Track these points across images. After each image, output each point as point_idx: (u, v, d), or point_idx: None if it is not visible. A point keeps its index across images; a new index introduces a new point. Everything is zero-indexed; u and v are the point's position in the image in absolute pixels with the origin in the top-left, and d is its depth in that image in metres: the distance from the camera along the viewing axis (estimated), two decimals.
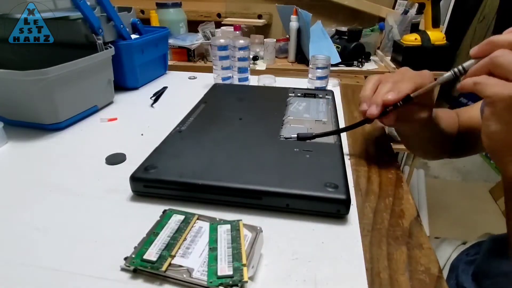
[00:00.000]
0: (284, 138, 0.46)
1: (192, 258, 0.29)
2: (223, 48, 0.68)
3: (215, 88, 0.67)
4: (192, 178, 0.37)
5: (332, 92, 0.63)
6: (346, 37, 1.36)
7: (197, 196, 0.37)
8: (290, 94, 0.63)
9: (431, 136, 0.52)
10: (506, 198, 0.35)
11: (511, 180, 0.32)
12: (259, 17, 1.61)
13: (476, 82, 0.31)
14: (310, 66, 0.68)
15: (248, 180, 0.36)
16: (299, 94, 0.63)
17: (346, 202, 0.34)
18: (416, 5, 1.32)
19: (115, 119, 0.59)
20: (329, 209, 0.35)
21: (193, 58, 1.37)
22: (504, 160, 0.32)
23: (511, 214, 0.35)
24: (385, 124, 0.43)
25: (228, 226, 0.32)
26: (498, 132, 0.31)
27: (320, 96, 0.62)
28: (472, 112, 0.56)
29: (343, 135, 0.53)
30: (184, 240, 0.30)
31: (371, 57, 1.44)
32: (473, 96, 0.98)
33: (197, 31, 1.40)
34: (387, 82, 0.42)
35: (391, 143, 0.53)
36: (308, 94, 0.63)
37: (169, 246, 0.29)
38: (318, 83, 0.68)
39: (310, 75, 0.69)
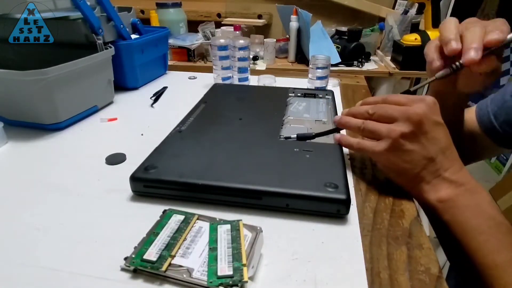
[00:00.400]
0: (284, 138, 0.46)
1: (192, 258, 0.29)
2: (223, 48, 0.68)
3: (215, 88, 0.67)
4: (192, 178, 0.37)
5: (332, 92, 0.63)
6: (346, 37, 1.36)
7: (197, 196, 0.37)
8: (290, 94, 0.63)
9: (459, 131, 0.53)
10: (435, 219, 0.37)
11: (426, 201, 0.37)
12: (259, 17, 1.61)
13: (359, 148, 0.40)
14: (310, 66, 0.68)
15: (248, 180, 0.36)
16: (299, 94, 0.63)
17: (346, 202, 0.34)
18: (416, 5, 1.32)
19: (115, 119, 0.59)
20: (329, 209, 0.35)
21: (193, 58, 1.37)
22: (410, 190, 0.39)
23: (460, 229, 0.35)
24: (483, 69, 0.37)
25: (228, 226, 0.32)
26: (392, 177, 0.40)
27: (320, 96, 0.62)
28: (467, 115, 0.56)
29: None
30: (184, 240, 0.30)
31: (371, 57, 1.44)
32: (474, 98, 0.97)
33: (197, 31, 1.40)
34: (474, 23, 0.37)
35: None
36: (308, 94, 0.63)
37: (169, 246, 0.29)
38: (318, 83, 0.68)
39: (310, 75, 0.69)
